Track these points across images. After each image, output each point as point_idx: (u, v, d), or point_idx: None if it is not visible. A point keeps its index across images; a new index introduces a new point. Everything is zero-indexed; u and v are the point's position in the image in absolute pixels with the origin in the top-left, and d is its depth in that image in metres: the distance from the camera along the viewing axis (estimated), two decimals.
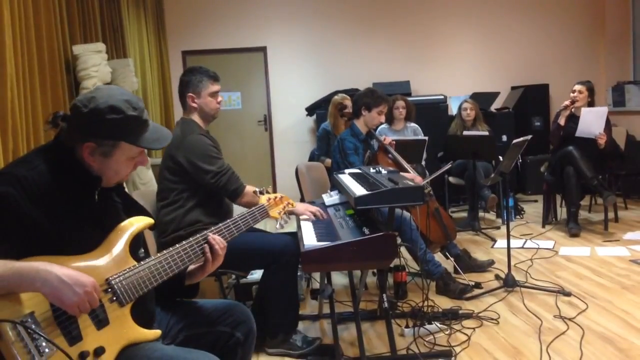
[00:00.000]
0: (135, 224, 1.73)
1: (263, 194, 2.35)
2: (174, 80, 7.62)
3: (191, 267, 1.89)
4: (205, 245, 1.83)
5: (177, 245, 1.76)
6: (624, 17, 8.17)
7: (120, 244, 1.66)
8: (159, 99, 7.08)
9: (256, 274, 3.71)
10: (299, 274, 3.21)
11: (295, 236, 2.90)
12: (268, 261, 2.94)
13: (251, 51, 7.94)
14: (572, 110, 5.39)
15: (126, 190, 1.94)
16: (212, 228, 1.90)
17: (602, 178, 5.23)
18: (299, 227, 2.86)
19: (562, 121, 5.38)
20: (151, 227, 1.78)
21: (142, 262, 1.65)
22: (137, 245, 1.77)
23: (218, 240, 1.85)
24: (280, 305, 2.97)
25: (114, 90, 1.69)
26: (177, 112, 7.55)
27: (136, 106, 1.67)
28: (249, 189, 2.97)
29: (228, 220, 1.97)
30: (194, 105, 3.03)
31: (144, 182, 4.80)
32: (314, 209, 2.95)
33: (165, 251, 1.72)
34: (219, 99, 3.10)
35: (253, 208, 2.16)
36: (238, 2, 7.83)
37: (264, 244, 2.98)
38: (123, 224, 1.71)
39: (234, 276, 3.64)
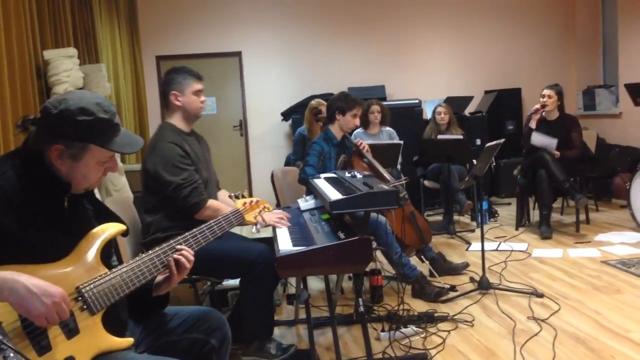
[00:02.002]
0: (107, 230, 1.71)
1: (239, 198, 2.33)
2: (148, 85, 7.57)
3: (159, 277, 1.86)
4: (170, 259, 1.78)
5: (150, 252, 1.74)
6: (594, 23, 8.34)
7: (91, 251, 1.64)
8: (132, 104, 7.01)
9: (232, 280, 3.69)
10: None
11: (272, 242, 2.88)
12: (244, 269, 2.90)
13: (226, 56, 7.92)
14: (543, 114, 5.48)
15: (98, 196, 1.92)
16: (186, 234, 1.87)
17: (574, 181, 5.32)
18: (274, 232, 2.85)
19: (533, 124, 5.46)
20: (124, 234, 1.76)
21: (113, 270, 1.63)
22: (108, 252, 1.74)
23: (185, 254, 1.81)
24: (255, 313, 2.92)
25: (86, 94, 1.68)
26: (152, 117, 7.52)
27: (107, 109, 1.65)
28: (215, 201, 2.93)
29: (203, 226, 1.95)
30: (178, 103, 3.00)
31: (118, 189, 4.74)
32: (276, 216, 2.90)
33: (137, 258, 1.70)
34: (202, 98, 3.07)
35: (228, 212, 2.15)
36: (213, 7, 7.81)
37: (239, 251, 2.93)
38: (94, 230, 1.69)
39: (209, 282, 3.61)
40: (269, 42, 7.96)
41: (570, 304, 3.61)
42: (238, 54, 7.93)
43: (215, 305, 3.56)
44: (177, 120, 3.04)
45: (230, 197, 2.37)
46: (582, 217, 5.69)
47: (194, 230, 1.90)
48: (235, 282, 3.61)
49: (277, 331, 3.46)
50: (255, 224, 2.32)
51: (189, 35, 7.78)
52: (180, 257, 1.79)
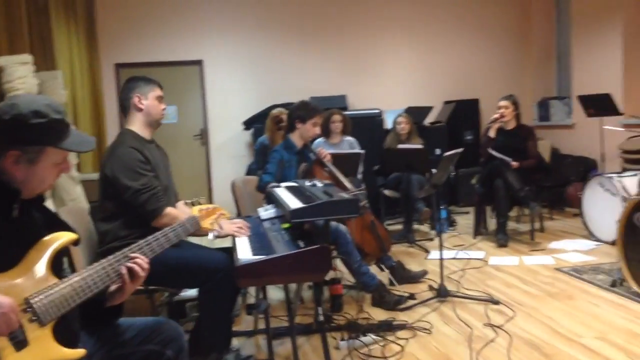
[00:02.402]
0: (58, 240, 1.67)
1: (195, 204, 2.31)
2: (107, 93, 7.44)
3: (113, 287, 1.83)
4: (123, 267, 1.74)
5: (103, 261, 1.70)
6: (549, 37, 8.59)
7: (41, 261, 1.60)
8: (90, 112, 6.89)
9: (190, 291, 3.65)
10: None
11: (232, 252, 2.86)
12: (203, 279, 2.85)
13: (187, 64, 7.86)
14: (501, 124, 5.60)
15: (52, 206, 1.88)
16: (140, 242, 1.83)
17: (529, 190, 5.44)
18: (234, 242, 2.83)
19: (492, 134, 5.58)
20: (75, 243, 1.72)
21: (64, 280, 1.60)
22: (59, 262, 1.71)
23: (139, 262, 1.78)
24: (214, 324, 2.86)
25: (34, 97, 1.66)
26: (110, 125, 7.40)
27: (58, 110, 1.64)
28: (173, 209, 2.90)
29: (157, 233, 1.91)
30: (141, 106, 2.96)
31: (73, 198, 4.65)
32: (235, 226, 2.90)
33: (89, 267, 1.67)
34: (163, 106, 3.05)
35: (184, 219, 2.13)
36: (173, 14, 7.75)
37: (198, 260, 2.88)
38: (44, 239, 1.64)
39: (166, 293, 3.57)
40: (231, 51, 7.94)
41: (525, 311, 3.69)
42: (199, 63, 7.88)
43: (173, 317, 3.52)
44: (138, 127, 2.99)
45: (186, 203, 2.34)
46: (537, 225, 5.83)
47: (149, 238, 1.87)
48: (193, 292, 3.58)
49: (235, 342, 3.43)
50: (212, 231, 2.30)
51: (150, 43, 7.70)
52: (133, 265, 1.75)
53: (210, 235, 2.31)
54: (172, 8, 7.73)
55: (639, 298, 3.69)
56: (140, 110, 2.97)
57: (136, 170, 2.82)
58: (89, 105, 6.89)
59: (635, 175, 5.17)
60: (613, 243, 4.46)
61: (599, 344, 3.11)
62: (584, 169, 6.92)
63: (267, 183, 3.62)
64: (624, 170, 5.90)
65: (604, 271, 4.40)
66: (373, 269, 4.15)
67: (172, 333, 1.99)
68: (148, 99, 2.97)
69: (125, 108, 3.01)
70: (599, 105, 6.10)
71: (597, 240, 5.33)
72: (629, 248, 3.81)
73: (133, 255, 1.77)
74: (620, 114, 6.15)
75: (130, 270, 1.75)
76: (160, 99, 3.01)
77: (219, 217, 2.36)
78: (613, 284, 3.99)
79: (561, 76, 8.49)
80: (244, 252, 2.56)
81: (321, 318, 2.99)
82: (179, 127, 7.87)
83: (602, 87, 6.53)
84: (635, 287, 3.73)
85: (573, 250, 5.11)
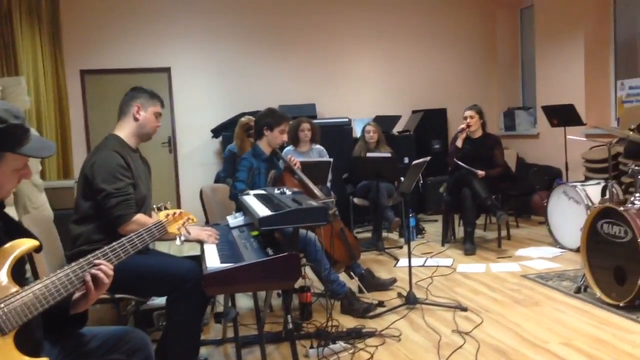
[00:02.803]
0: (19, 247, 1.62)
1: (161, 209, 2.27)
2: (72, 99, 7.32)
3: (76, 294, 1.78)
4: (87, 274, 1.70)
5: (66, 267, 1.66)
6: (514, 49, 8.78)
7: (2, 269, 1.55)
8: (54, 119, 6.75)
9: (158, 299, 3.60)
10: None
11: (200, 260, 2.82)
12: (171, 287, 2.81)
13: (155, 72, 7.78)
14: (468, 133, 5.69)
15: (16, 214, 1.83)
16: (105, 248, 1.79)
17: (495, 198, 5.52)
18: (202, 250, 2.81)
19: (459, 143, 5.66)
20: (37, 250, 1.68)
21: (25, 288, 1.55)
22: (21, 269, 1.66)
23: (103, 268, 1.73)
24: (181, 333, 2.80)
25: None
26: (75, 132, 7.29)
27: (17, 115, 1.60)
28: (143, 216, 2.85)
29: (123, 239, 1.88)
30: (138, 116, 2.97)
31: (36, 207, 4.54)
32: (206, 234, 2.87)
33: (52, 274, 1.62)
34: (159, 123, 3.07)
35: (150, 224, 2.09)
36: (141, 21, 7.67)
37: (167, 268, 2.84)
38: (4, 247, 1.60)
39: (133, 302, 3.50)
40: (200, 59, 7.89)
41: (493, 317, 3.73)
42: (167, 70, 7.81)
43: (139, 326, 3.46)
44: (126, 134, 2.99)
45: (152, 209, 2.30)
46: (504, 233, 5.91)
47: (114, 243, 1.83)
48: (161, 301, 3.52)
49: (204, 351, 3.40)
50: (179, 236, 2.27)
51: (116, 50, 7.60)
52: (98, 272, 1.71)
53: (178, 241, 2.27)
54: (140, 14, 7.66)
55: (602, 304, 3.76)
56: (136, 120, 2.99)
57: (114, 175, 2.80)
58: (54, 111, 6.75)
59: (598, 184, 5.29)
60: (577, 250, 4.54)
61: (564, 349, 3.15)
62: (549, 178, 7.06)
63: (242, 191, 3.61)
64: (587, 179, 6.04)
65: (568, 278, 4.48)
66: (342, 276, 4.16)
67: (138, 342, 1.96)
68: (147, 112, 3.00)
69: (121, 112, 3.03)
70: (563, 116, 6.23)
71: (562, 247, 5.43)
72: (593, 255, 3.89)
73: (97, 262, 1.73)
74: (583, 124, 6.30)
75: (95, 278, 1.71)
76: (158, 115, 3.05)
77: (186, 222, 2.33)
78: (577, 290, 4.06)
79: (526, 87, 8.67)
80: (212, 260, 2.54)
81: (290, 326, 2.97)
82: None
83: (565, 98, 6.68)
84: (599, 293, 3.81)
85: (539, 257, 5.20)
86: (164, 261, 2.93)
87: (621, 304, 3.62)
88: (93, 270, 1.71)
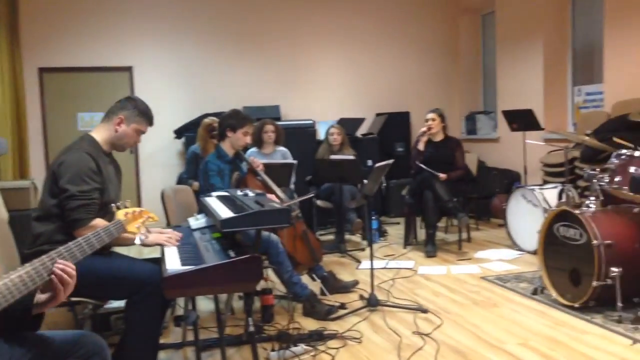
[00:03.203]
0: None
1: (120, 208, 2.23)
2: (29, 98, 7.14)
3: (42, 296, 1.74)
4: (53, 276, 1.66)
5: (26, 265, 1.61)
6: (475, 54, 8.93)
7: None
8: (10, 117, 6.58)
9: (115, 303, 3.53)
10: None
11: (159, 263, 2.78)
12: (130, 290, 2.74)
13: (116, 70, 7.65)
14: (430, 136, 5.76)
15: None
16: (60, 248, 1.74)
17: (457, 201, 5.60)
18: (162, 252, 2.77)
19: (421, 146, 5.73)
20: None
21: None
22: None
23: (67, 271, 1.70)
24: (140, 337, 2.74)
25: None
26: (32, 131, 7.13)
27: None
28: (103, 221, 2.79)
29: (79, 238, 1.84)
30: (118, 127, 2.92)
31: None
32: (165, 236, 2.84)
33: (11, 272, 1.57)
34: (140, 140, 3.03)
35: (108, 224, 2.05)
36: (102, 19, 7.53)
37: (126, 270, 2.78)
38: None
39: (90, 306, 3.43)
40: (162, 58, 7.79)
41: (452, 319, 3.78)
42: (129, 69, 7.69)
43: (96, 330, 3.39)
44: (102, 139, 2.95)
45: (110, 207, 2.26)
46: (464, 235, 6.00)
47: (70, 243, 1.78)
48: (119, 304, 3.46)
49: (163, 355, 3.36)
50: (138, 235, 2.23)
51: (77, 48, 7.45)
52: (61, 273, 1.68)
53: (137, 240, 2.23)
54: (101, 11, 7.52)
55: (558, 305, 3.85)
56: (115, 130, 2.94)
57: (82, 177, 2.74)
58: (10, 110, 6.58)
59: (555, 187, 5.41)
60: (535, 252, 4.64)
61: (521, 350, 3.22)
62: (508, 182, 7.19)
63: None
64: (545, 182, 6.18)
65: (526, 279, 4.57)
66: (305, 278, 4.16)
67: (95, 347, 1.92)
68: (129, 127, 2.94)
69: (106, 115, 2.99)
70: (522, 120, 6.36)
71: (520, 249, 5.54)
72: (549, 257, 3.98)
73: (60, 262, 1.69)
74: (542, 129, 6.44)
75: (59, 279, 1.68)
76: (139, 132, 2.99)
77: (145, 220, 2.29)
78: (534, 292, 4.15)
79: (487, 91, 8.83)
80: (173, 263, 2.51)
81: (252, 329, 2.95)
82: None
83: (524, 103, 6.82)
84: (554, 295, 3.90)
85: (497, 259, 5.29)
86: (124, 263, 2.87)
87: (576, 305, 3.71)
88: (57, 271, 1.67)
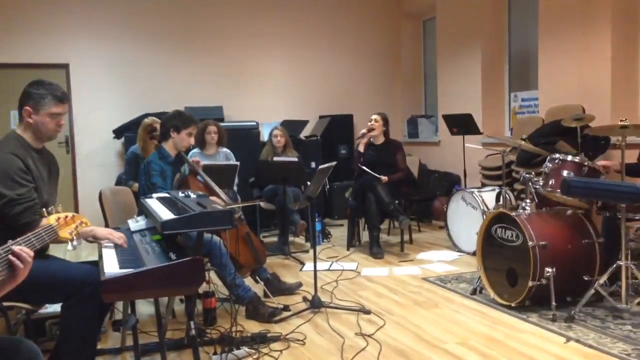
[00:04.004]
0: None
1: (51, 213, 2.15)
2: None
3: None
4: (10, 256, 1.64)
5: None
6: (417, 59, 9.11)
7: None
8: None
9: (51, 307, 3.41)
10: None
11: (97, 266, 2.70)
12: (65, 294, 2.64)
13: (51, 68, 7.38)
14: (371, 139, 5.84)
15: None
16: None
17: (398, 203, 5.68)
18: (100, 255, 2.69)
19: (361, 148, 5.80)
20: None
21: None
22: None
23: (25, 250, 1.66)
24: (75, 343, 2.64)
25: None
26: None
27: None
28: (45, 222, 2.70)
29: (10, 242, 1.76)
30: (30, 120, 2.77)
31: None
32: (118, 234, 2.79)
33: None
34: (62, 121, 2.85)
35: (39, 229, 1.97)
36: (37, 14, 7.25)
37: (62, 273, 2.68)
38: None
39: (23, 311, 3.29)
40: (101, 56, 7.57)
41: (394, 319, 3.82)
42: (65, 66, 7.44)
43: (30, 336, 3.25)
44: (27, 134, 2.81)
45: (42, 213, 2.18)
46: (406, 237, 6.09)
47: None
48: (55, 309, 3.34)
49: None
50: (71, 241, 2.15)
51: (9, 44, 7.15)
52: (21, 252, 1.65)
53: (70, 246, 2.15)
54: (35, 6, 7.25)
55: (496, 305, 3.96)
56: (29, 124, 2.79)
57: (14, 179, 2.63)
58: None
59: (493, 190, 5.58)
60: (474, 254, 4.76)
61: (460, 349, 3.29)
62: (449, 184, 7.36)
63: None
64: (483, 185, 6.35)
65: (465, 280, 4.68)
66: (248, 281, 4.13)
67: (28, 353, 1.84)
68: (39, 115, 2.78)
69: (19, 111, 2.82)
70: (462, 125, 6.53)
71: (460, 251, 5.67)
72: (487, 258, 4.09)
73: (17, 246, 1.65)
74: (480, 133, 6.62)
75: (20, 258, 1.67)
76: (55, 116, 2.81)
77: (79, 225, 2.21)
78: (474, 292, 4.25)
79: (428, 96, 9.01)
80: (111, 266, 2.43)
81: (193, 332, 2.91)
82: None
83: (464, 107, 7.00)
84: (492, 295, 4.01)
85: (438, 260, 5.39)
86: (59, 266, 2.77)
87: (513, 305, 3.83)
88: (16, 249, 1.64)
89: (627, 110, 5.41)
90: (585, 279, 3.73)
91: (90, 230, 2.71)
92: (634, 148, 4.37)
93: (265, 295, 4.25)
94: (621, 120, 3.80)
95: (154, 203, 3.10)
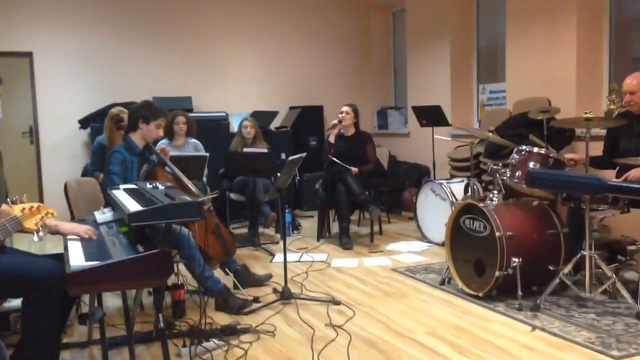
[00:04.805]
0: None
1: (16, 203, 2.10)
2: None
3: None
4: None
5: None
6: (387, 50, 9.13)
7: None
8: None
9: (15, 301, 3.33)
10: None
11: (62, 259, 2.64)
12: (28, 288, 2.57)
13: (14, 56, 7.19)
14: (342, 130, 5.84)
15: None
16: None
17: (368, 194, 5.71)
18: (65, 247, 2.63)
19: (332, 139, 5.81)
20: None
21: None
22: None
23: None
24: (39, 338, 2.57)
25: None
26: None
27: None
28: (6, 207, 2.64)
29: None
30: None
31: None
32: (84, 228, 2.74)
33: None
34: None
35: (3, 219, 1.92)
36: None
37: (23, 267, 2.60)
38: None
39: None
40: (66, 44, 7.40)
41: (364, 310, 3.85)
42: (29, 55, 7.25)
43: None
44: None
45: (6, 202, 2.12)
46: (376, 228, 6.13)
47: None
48: (19, 302, 3.27)
49: (67, 355, 3.21)
50: (37, 231, 2.10)
51: None
52: None
53: (35, 237, 2.10)
54: None
55: (464, 295, 4.01)
56: None
57: None
58: None
59: (461, 181, 5.64)
60: (443, 244, 4.80)
61: (429, 338, 3.32)
62: (418, 175, 7.41)
63: (117, 184, 3.45)
64: (452, 177, 6.41)
65: (434, 270, 4.73)
66: (217, 272, 4.10)
67: None
68: None
69: None
70: (431, 116, 6.58)
71: (429, 241, 5.73)
72: (456, 249, 4.14)
73: None
74: (449, 125, 6.68)
75: None
76: None
77: (44, 216, 2.16)
78: (442, 282, 4.30)
79: (398, 88, 9.05)
80: (76, 258, 2.39)
81: (162, 325, 2.87)
82: (4, 123, 7.16)
83: (433, 99, 7.05)
84: (460, 285, 4.06)
85: (408, 251, 5.44)
86: (23, 260, 2.69)
87: (480, 294, 3.88)
88: None
89: (591, 102, 5.51)
90: (551, 268, 3.80)
91: (55, 225, 2.66)
92: (598, 140, 4.46)
93: (235, 287, 4.23)
94: (585, 113, 3.88)
95: (120, 194, 3.04)
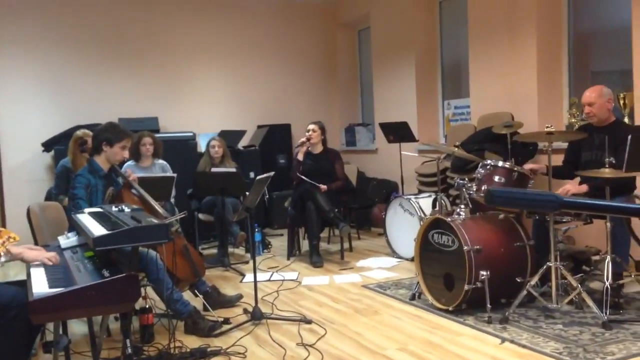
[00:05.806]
0: None
1: None
2: None
3: None
4: None
5: None
6: (353, 68, 9.23)
7: None
8: None
9: None
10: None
11: (25, 286, 2.59)
12: None
13: None
14: (309, 148, 5.86)
15: None
16: None
17: (338, 211, 5.72)
18: (28, 274, 2.58)
19: (300, 156, 5.83)
20: None
21: None
22: None
23: None
24: None
25: None
26: None
27: None
28: None
29: None
30: None
31: None
32: (48, 255, 2.68)
33: None
34: None
35: None
36: None
37: None
38: None
39: None
40: (29, 65, 7.28)
41: (336, 328, 3.83)
42: None
43: None
44: None
45: None
46: (346, 245, 6.13)
47: None
48: None
49: None
50: None
51: None
52: None
53: None
54: None
55: (434, 309, 4.03)
56: None
57: None
58: None
59: (429, 196, 5.69)
60: (412, 259, 4.83)
61: (400, 354, 3.32)
62: (387, 191, 7.45)
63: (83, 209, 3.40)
64: (420, 192, 6.47)
65: (404, 286, 4.74)
66: (186, 294, 4.05)
67: None
68: None
69: None
70: (398, 132, 6.64)
71: (399, 257, 5.75)
72: (425, 263, 4.16)
73: None
74: (416, 141, 6.76)
75: None
76: None
77: (6, 241, 2.12)
78: (412, 297, 4.32)
79: (365, 104, 9.14)
80: (39, 285, 2.34)
81: (129, 351, 2.82)
82: None
83: (400, 115, 7.12)
84: (430, 299, 4.08)
85: (378, 267, 5.45)
86: None
87: (450, 309, 3.91)
88: None
89: (553, 116, 5.64)
90: (518, 280, 3.85)
91: (19, 253, 2.61)
92: (560, 153, 4.55)
93: (205, 309, 4.17)
94: (547, 127, 3.96)
95: (85, 218, 3.00)
